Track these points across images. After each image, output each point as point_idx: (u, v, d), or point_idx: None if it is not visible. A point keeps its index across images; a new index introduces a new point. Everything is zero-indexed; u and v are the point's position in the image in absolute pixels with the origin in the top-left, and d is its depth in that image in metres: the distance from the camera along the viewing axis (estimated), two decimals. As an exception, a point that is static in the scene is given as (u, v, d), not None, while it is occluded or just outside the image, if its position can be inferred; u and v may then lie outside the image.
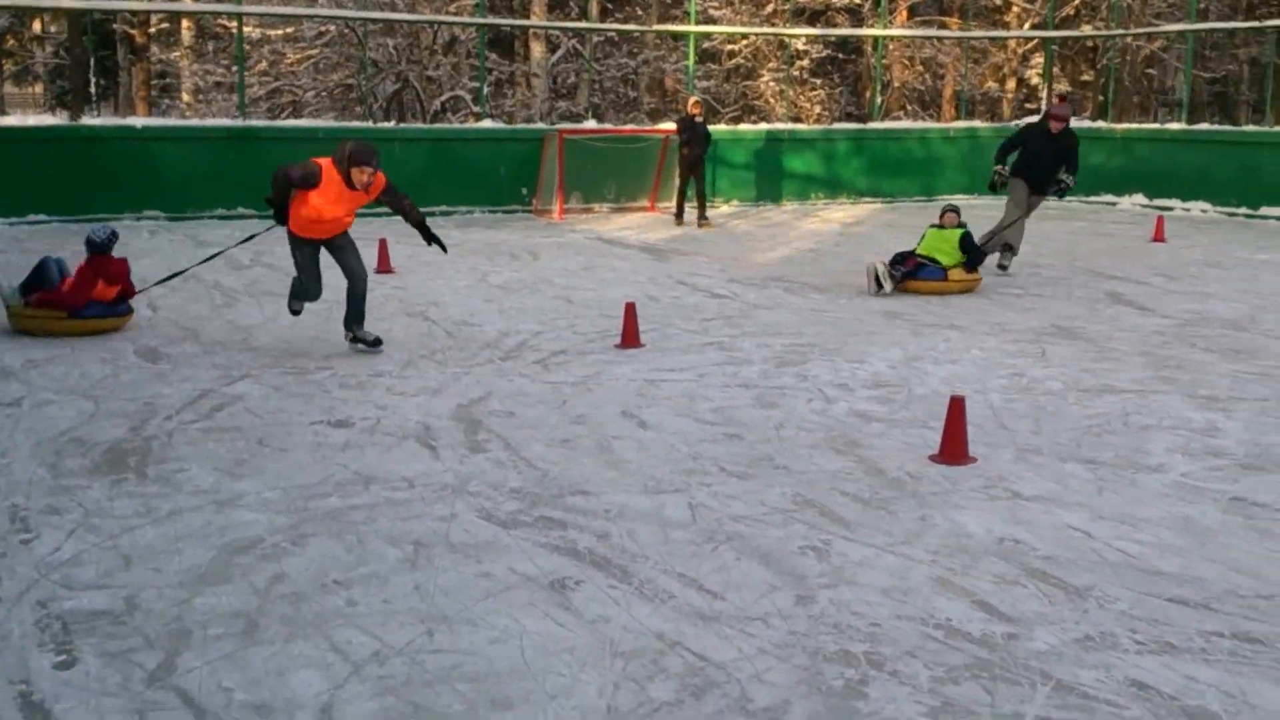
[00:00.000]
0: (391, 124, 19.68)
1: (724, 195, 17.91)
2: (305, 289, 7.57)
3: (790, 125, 20.28)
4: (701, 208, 15.50)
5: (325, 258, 7.46)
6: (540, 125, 20.15)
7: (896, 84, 28.15)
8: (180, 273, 8.91)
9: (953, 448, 5.40)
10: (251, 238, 9.00)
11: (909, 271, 9.99)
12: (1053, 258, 12.70)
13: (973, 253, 10.20)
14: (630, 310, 7.96)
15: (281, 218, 7.27)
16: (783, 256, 12.75)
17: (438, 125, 21.10)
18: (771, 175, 18.76)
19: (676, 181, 15.88)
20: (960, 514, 4.69)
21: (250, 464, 5.24)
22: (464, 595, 3.86)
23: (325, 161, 7.05)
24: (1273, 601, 3.89)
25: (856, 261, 12.27)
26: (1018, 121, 21.89)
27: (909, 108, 28.58)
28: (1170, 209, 17.73)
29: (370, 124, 18.56)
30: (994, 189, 11.49)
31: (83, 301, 7.88)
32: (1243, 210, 17.23)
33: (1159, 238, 14.03)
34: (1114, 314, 9.22)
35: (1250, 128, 19.92)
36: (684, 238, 14.33)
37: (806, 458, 5.43)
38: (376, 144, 7.25)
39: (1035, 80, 26.34)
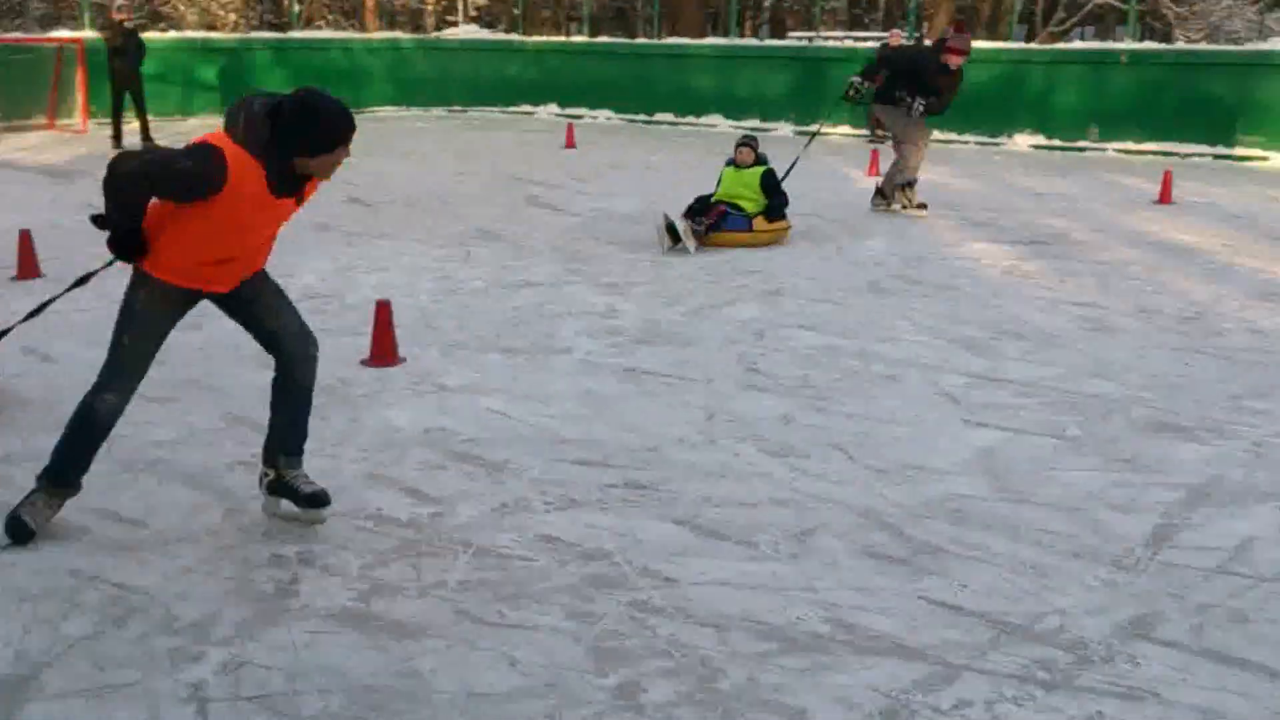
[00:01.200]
0: None
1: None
2: (103, 396, 3.65)
3: (204, 34, 19.22)
4: (144, 127, 14.13)
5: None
6: (-99, 34, 17.48)
7: (315, -7, 27.54)
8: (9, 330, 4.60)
9: (382, 350, 5.56)
10: (85, 279, 4.23)
11: (713, 224, 8.42)
12: (477, 165, 13.24)
13: (776, 195, 8.64)
14: (25, 239, 7.26)
15: (130, 249, 3.51)
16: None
17: None
18: (184, 88, 17.73)
19: (109, 98, 14.27)
20: (389, 411, 4.86)
21: None
22: None
23: (219, 138, 3.37)
24: (655, 452, 4.47)
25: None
26: (439, 33, 22.32)
27: (330, 17, 28.10)
28: (580, 117, 19.06)
29: None
30: (851, 99, 9.85)
31: None
32: (640, 116, 18.91)
33: (570, 144, 15.04)
34: (530, 215, 9.83)
35: (643, 40, 21.79)
36: (91, 158, 13.18)
37: (236, 376, 5.32)
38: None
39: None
